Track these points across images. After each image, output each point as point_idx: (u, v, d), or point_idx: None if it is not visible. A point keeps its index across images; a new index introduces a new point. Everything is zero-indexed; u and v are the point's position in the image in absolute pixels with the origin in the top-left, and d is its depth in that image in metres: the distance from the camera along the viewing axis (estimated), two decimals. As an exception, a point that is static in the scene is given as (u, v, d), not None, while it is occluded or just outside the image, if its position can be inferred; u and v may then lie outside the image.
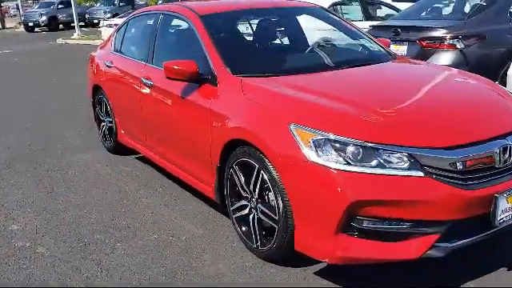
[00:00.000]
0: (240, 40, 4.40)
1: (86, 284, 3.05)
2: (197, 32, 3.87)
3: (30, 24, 31.52)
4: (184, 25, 4.20)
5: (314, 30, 4.64)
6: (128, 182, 4.74)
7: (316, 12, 4.60)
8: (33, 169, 5.23)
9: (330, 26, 4.56)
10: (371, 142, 2.58)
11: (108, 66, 5.19)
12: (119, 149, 5.47)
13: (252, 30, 4.48)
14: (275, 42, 4.47)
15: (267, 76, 3.44)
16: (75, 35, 23.80)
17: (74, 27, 25.81)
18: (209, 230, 3.66)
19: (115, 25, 17.74)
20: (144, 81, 4.33)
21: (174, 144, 4.05)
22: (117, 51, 5.27)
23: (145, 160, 5.14)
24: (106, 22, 18.54)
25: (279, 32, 4.51)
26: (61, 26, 31.99)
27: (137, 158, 5.43)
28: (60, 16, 32.07)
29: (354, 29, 4.50)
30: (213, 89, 3.50)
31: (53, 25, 31.50)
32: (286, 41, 4.51)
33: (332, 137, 2.63)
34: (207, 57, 3.67)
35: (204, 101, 3.51)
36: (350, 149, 2.58)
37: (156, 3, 35.71)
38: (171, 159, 4.17)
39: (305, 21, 4.64)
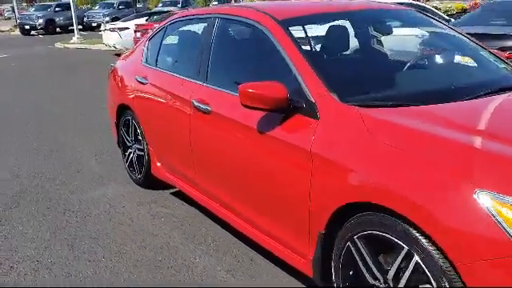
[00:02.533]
0: (338, 53, 3.38)
1: None
2: (278, 43, 2.88)
3: (27, 27, 30.37)
4: (254, 33, 3.19)
5: (408, 37, 3.64)
6: (170, 231, 3.72)
7: (416, 16, 3.60)
8: (45, 209, 4.21)
9: (430, 33, 3.58)
10: None
11: (140, 83, 4.18)
12: (150, 182, 4.46)
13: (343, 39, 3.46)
14: (377, 55, 3.46)
15: (393, 106, 2.45)
16: (74, 39, 22.77)
17: (71, 31, 24.84)
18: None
19: (119, 29, 16.79)
20: (197, 105, 3.33)
21: (243, 191, 3.05)
22: (151, 64, 4.25)
23: (183, 196, 4.13)
24: (108, 26, 17.49)
25: (375, 42, 3.51)
26: (58, 29, 30.88)
27: (172, 193, 4.42)
28: (57, 19, 30.95)
29: (458, 35, 3.51)
30: (311, 122, 2.50)
31: (50, 28, 30.40)
32: (381, 53, 3.49)
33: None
34: (298, 77, 2.67)
35: (299, 139, 2.52)
36: None
37: (156, 5, 34.83)
38: (236, 209, 3.17)
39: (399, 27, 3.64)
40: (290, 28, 2.94)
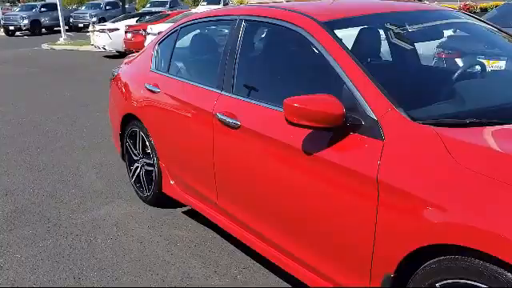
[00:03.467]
0: (396, 61, 2.98)
1: None
2: (323, 48, 2.49)
3: (11, 28, 29.57)
4: (290, 37, 2.79)
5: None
6: (188, 259, 3.31)
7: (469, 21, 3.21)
8: (45, 232, 3.77)
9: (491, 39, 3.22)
10: None
11: (151, 91, 3.76)
12: (160, 200, 4.05)
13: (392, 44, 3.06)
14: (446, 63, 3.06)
15: (473, 124, 2.07)
16: (61, 40, 22.18)
17: (57, 31, 24.27)
18: None
19: (108, 30, 16.28)
20: (222, 118, 2.92)
21: (280, 219, 2.64)
22: (162, 71, 3.83)
23: (196, 215, 3.73)
24: (97, 27, 16.95)
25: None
26: (43, 30, 30.17)
27: (184, 212, 4.01)
28: (43, 19, 30.24)
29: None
30: (375, 143, 2.11)
31: (35, 29, 29.66)
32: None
33: None
34: (352, 89, 2.29)
35: (360, 163, 2.13)
36: None
37: (144, 6, 34.17)
38: (269, 238, 2.76)
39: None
40: (335, 31, 2.54)
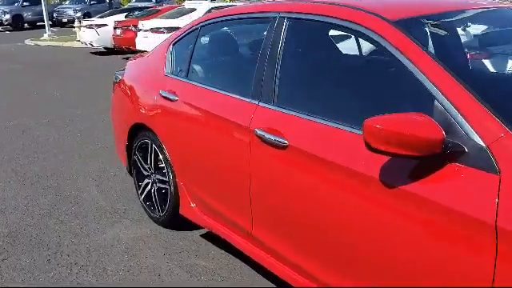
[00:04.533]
0: (497, 69, 2.51)
1: None
2: (403, 55, 2.02)
3: (-8, 23, 28.65)
4: (350, 38, 2.32)
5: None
6: (218, 297, 2.83)
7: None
8: (45, 261, 3.26)
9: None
10: None
11: (167, 99, 3.26)
12: (175, 221, 3.57)
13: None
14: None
15: None
16: (45, 36, 21.44)
17: (41, 27, 23.49)
18: None
19: (96, 25, 15.62)
20: (262, 134, 2.45)
21: (346, 263, 2.17)
22: (179, 75, 3.34)
23: (219, 241, 3.25)
24: (84, 23, 16.29)
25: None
26: (26, 25, 29.25)
27: (203, 235, 3.54)
28: (25, 14, 29.30)
29: None
30: (486, 178, 1.65)
31: (17, 24, 28.74)
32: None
33: None
34: (447, 106, 1.82)
35: (467, 202, 1.67)
36: None
37: (130, 0, 33.21)
38: (326, 282, 2.29)
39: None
40: (418, 33, 2.08)
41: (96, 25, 15.62)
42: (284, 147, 2.35)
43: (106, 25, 15.38)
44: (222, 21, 3.18)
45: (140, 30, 12.59)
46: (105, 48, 15.62)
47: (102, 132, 6.22)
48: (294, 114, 2.39)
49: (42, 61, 14.51)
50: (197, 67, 3.29)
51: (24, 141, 6.07)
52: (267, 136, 2.43)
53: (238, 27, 3.20)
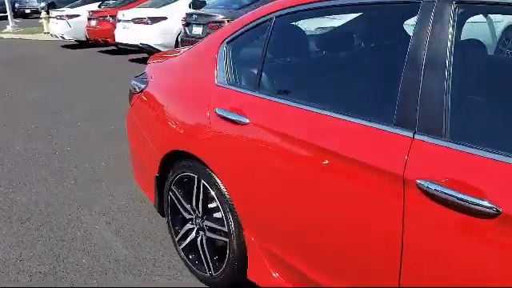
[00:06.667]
0: None
1: None
2: None
3: None
4: None
5: None
6: None
7: None
8: None
9: None
10: None
11: (227, 120, 2.29)
12: (233, 283, 2.61)
13: None
14: None
15: None
16: (9, 28, 19.94)
17: (1, 18, 21.78)
18: None
19: (67, 16, 14.28)
20: (427, 187, 1.51)
21: None
22: (244, 88, 2.37)
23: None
24: (54, 13, 14.93)
25: None
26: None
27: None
28: (-16, 5, 27.38)
29: None
30: None
31: (-24, 15, 26.84)
32: None
33: None
34: None
35: None
36: None
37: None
38: None
39: None
40: None
41: (67, 15, 14.28)
42: (484, 214, 1.42)
43: (78, 15, 14.10)
44: (311, 8, 2.20)
45: (120, 20, 11.41)
46: (76, 40, 14.35)
47: (96, 146, 5.19)
48: (443, 144, 1.49)
49: (9, 56, 13.15)
50: (273, 75, 2.32)
51: (3, 159, 4.96)
52: (440, 189, 1.50)
53: (340, 20, 2.23)
